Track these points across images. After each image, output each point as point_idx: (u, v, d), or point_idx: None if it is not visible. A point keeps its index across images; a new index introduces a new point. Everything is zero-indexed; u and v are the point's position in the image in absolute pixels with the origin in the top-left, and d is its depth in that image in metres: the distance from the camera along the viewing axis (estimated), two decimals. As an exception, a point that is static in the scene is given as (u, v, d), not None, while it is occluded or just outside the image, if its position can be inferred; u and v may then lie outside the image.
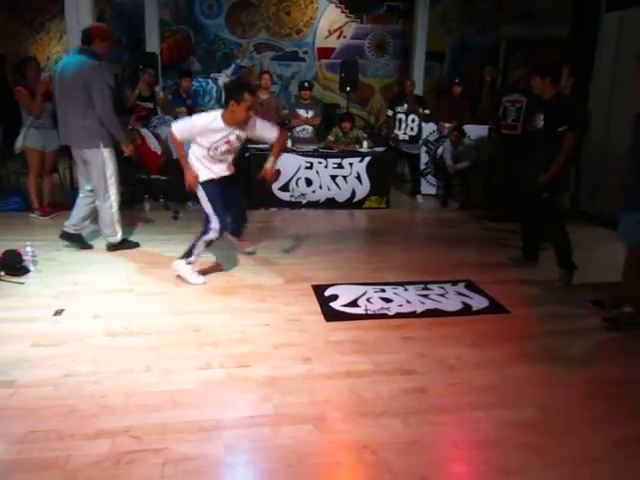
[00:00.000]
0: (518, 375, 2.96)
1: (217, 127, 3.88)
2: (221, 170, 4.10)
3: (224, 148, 3.97)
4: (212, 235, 4.03)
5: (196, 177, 3.99)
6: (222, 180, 4.11)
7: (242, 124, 3.92)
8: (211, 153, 3.96)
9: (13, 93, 5.74)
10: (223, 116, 3.87)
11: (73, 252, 4.79)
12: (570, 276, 4.32)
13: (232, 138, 3.96)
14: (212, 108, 10.23)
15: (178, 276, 4.14)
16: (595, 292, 4.09)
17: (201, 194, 4.04)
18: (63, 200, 6.36)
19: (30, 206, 5.94)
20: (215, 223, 3.99)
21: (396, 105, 7.35)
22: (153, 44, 9.91)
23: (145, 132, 6.34)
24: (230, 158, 4.14)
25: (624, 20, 6.17)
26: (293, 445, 2.32)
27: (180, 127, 3.94)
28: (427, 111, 7.36)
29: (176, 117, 6.79)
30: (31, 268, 4.27)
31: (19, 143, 5.68)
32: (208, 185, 4.04)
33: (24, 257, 4.28)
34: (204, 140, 3.91)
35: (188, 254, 4.09)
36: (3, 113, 6.90)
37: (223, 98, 4.24)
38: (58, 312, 3.54)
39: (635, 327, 3.56)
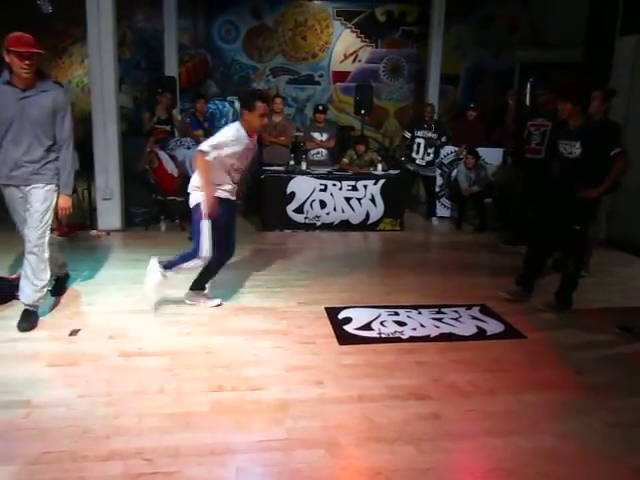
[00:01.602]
0: (534, 402, 2.91)
1: (243, 137, 3.83)
2: (232, 192, 4.00)
3: (243, 162, 3.93)
4: (198, 263, 3.91)
5: (218, 203, 3.82)
6: (228, 204, 3.99)
7: (256, 131, 3.94)
8: (235, 166, 3.89)
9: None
10: (243, 127, 3.84)
11: (89, 272, 4.83)
12: (559, 307, 4.24)
13: (249, 151, 3.98)
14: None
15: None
16: (614, 317, 4.03)
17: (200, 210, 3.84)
18: (81, 221, 6.46)
19: (48, 226, 6.01)
20: (205, 252, 3.81)
21: (416, 129, 7.40)
22: (172, 68, 10.12)
23: (162, 154, 6.44)
24: (239, 177, 4.05)
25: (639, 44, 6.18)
26: (306, 470, 2.30)
27: (214, 146, 3.71)
28: (444, 138, 7.42)
29: (196, 140, 6.92)
30: (48, 288, 4.30)
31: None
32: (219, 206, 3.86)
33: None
34: (230, 154, 3.79)
35: (168, 266, 3.92)
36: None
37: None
38: (73, 332, 3.57)
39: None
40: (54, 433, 2.50)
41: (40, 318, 3.76)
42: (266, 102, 3.86)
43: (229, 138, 3.78)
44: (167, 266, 3.92)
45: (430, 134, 7.32)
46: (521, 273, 4.52)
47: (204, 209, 3.77)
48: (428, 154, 7.33)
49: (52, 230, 5.83)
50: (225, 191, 3.93)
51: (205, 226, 3.79)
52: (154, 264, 3.92)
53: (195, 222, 3.86)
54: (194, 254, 3.86)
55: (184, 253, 3.96)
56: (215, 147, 3.72)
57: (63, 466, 2.28)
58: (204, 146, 3.73)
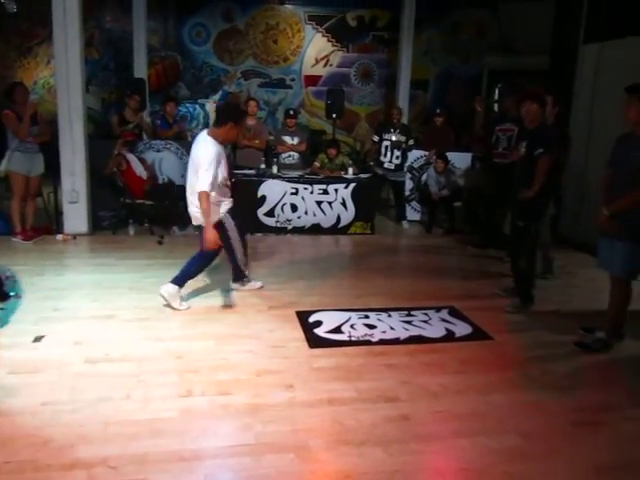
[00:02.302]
0: (501, 402, 2.96)
1: (221, 150, 3.95)
2: (229, 201, 4.17)
3: (225, 171, 4.02)
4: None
5: (218, 236, 3.90)
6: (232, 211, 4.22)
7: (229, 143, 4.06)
8: (221, 181, 3.99)
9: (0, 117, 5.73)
10: (217, 138, 3.94)
11: (55, 277, 4.73)
12: (523, 306, 4.33)
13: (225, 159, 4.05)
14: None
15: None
16: (579, 319, 4.12)
17: (225, 228, 4.09)
18: (46, 224, 6.32)
19: (12, 230, 5.88)
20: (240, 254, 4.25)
21: (383, 132, 7.46)
22: (141, 69, 10.00)
23: (131, 157, 6.35)
24: (229, 188, 4.21)
25: (602, 52, 6.35)
26: (275, 475, 2.29)
27: (209, 179, 3.80)
28: (411, 141, 7.48)
29: (164, 141, 6.86)
30: (11, 293, 4.19)
31: (3, 166, 5.64)
32: (227, 218, 4.13)
33: (4, 282, 4.20)
34: (218, 172, 3.93)
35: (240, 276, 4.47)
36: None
37: (214, 118, 4.23)
38: (38, 338, 3.49)
39: (610, 351, 3.63)
40: (16, 442, 2.43)
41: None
42: (240, 122, 4.06)
43: (214, 159, 3.83)
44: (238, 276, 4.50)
45: (397, 137, 7.37)
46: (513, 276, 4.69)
47: (209, 238, 3.82)
48: (397, 157, 7.37)
49: (16, 234, 5.77)
50: (227, 204, 4.14)
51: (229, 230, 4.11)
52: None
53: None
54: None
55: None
56: (212, 182, 3.81)
57: (25, 476, 2.22)
58: (205, 186, 3.76)
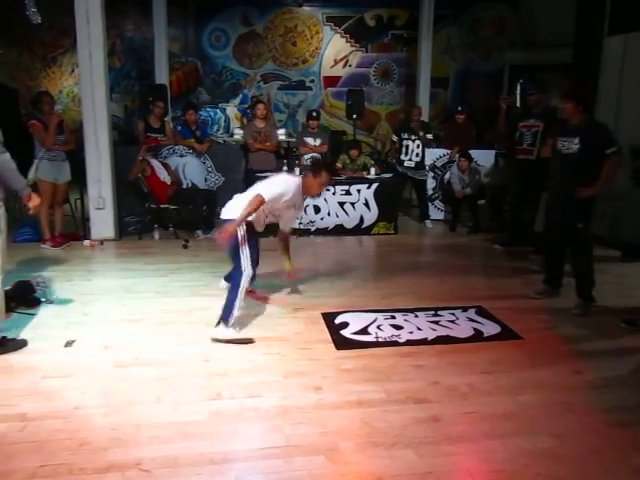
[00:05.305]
0: (532, 403, 2.91)
1: (298, 193, 4.01)
2: (262, 227, 4.11)
3: (284, 211, 4.08)
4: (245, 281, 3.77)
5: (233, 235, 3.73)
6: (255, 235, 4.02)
7: (312, 196, 4.18)
8: (276, 211, 4.04)
9: (26, 126, 5.86)
10: (304, 185, 4.04)
11: (84, 282, 4.81)
12: (588, 307, 4.23)
13: (296, 204, 4.12)
14: (221, 137, 10.38)
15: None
16: (611, 316, 4.05)
17: (240, 235, 3.78)
18: (74, 231, 6.44)
19: (42, 237, 6.00)
20: (247, 266, 3.75)
21: (402, 132, 7.43)
22: (162, 76, 10.13)
23: (154, 163, 6.42)
24: (267, 223, 4.15)
25: (627, 44, 6.23)
26: (306, 477, 2.29)
27: (273, 193, 3.79)
28: (429, 135, 7.43)
29: (189, 147, 6.91)
30: (42, 299, 4.29)
31: (31, 175, 5.75)
32: (249, 230, 3.87)
33: (35, 288, 4.30)
34: (281, 202, 3.93)
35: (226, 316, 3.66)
36: (17, 146, 7.01)
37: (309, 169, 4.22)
38: (69, 343, 3.55)
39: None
40: (51, 446, 2.47)
41: (35, 330, 3.74)
42: (332, 174, 4.07)
43: (289, 190, 3.91)
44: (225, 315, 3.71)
45: (417, 136, 7.35)
46: (545, 275, 4.62)
47: (239, 234, 3.72)
48: (417, 155, 7.35)
49: (45, 241, 5.89)
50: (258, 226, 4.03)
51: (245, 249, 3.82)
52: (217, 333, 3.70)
53: (233, 247, 3.81)
54: (238, 276, 3.76)
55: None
56: (274, 199, 3.83)
57: (60, 479, 2.25)
58: (266, 195, 3.75)
